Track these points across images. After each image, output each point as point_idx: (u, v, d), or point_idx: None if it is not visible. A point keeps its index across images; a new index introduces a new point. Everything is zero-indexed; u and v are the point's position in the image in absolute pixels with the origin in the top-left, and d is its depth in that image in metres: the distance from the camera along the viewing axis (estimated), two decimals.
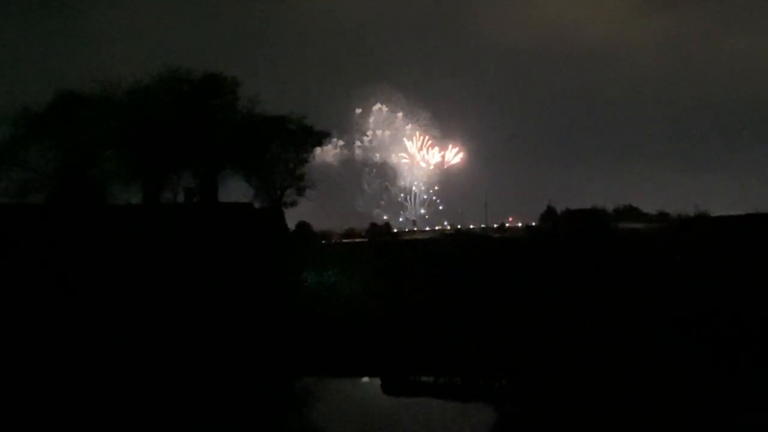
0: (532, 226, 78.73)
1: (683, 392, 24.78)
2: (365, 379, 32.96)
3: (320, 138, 70.04)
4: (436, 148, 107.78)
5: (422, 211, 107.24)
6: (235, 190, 63.28)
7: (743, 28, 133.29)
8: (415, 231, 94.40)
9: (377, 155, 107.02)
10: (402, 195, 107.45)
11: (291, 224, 66.21)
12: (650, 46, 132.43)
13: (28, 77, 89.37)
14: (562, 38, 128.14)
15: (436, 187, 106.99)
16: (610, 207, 67.86)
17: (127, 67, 70.83)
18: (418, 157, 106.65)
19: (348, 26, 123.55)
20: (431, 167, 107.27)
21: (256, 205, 63.24)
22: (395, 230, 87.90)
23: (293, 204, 66.09)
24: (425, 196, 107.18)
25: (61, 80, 59.69)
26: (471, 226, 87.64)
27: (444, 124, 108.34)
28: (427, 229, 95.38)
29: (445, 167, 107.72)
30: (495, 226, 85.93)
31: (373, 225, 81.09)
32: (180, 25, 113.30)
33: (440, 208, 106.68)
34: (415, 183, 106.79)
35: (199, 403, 28.13)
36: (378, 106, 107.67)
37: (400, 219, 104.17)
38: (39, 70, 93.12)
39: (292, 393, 31.70)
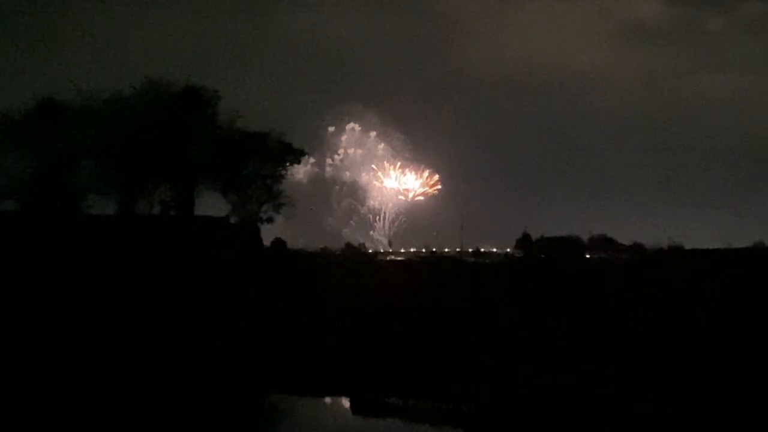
0: (508, 252, 78.85)
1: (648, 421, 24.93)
2: (334, 398, 32.88)
3: (298, 155, 70.05)
4: (411, 175, 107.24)
5: (391, 232, 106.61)
6: (212, 205, 63.15)
7: (718, 65, 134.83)
8: (390, 252, 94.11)
9: (347, 173, 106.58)
10: (371, 215, 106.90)
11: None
12: (628, 78, 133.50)
13: (7, 84, 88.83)
14: (542, 67, 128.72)
15: (403, 217, 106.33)
16: (585, 236, 68.17)
17: (107, 77, 70.51)
18: (388, 183, 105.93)
19: (326, 45, 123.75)
20: (406, 197, 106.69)
21: (232, 220, 63.12)
22: (370, 251, 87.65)
23: (269, 220, 65.97)
24: (394, 216, 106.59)
25: (41, 88, 59.47)
26: (446, 250, 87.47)
27: (418, 147, 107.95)
28: (402, 250, 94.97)
29: (420, 193, 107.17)
30: (470, 250, 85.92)
31: (348, 245, 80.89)
32: (161, 38, 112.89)
33: (409, 230, 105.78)
34: (385, 204, 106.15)
35: (166, 417, 27.92)
36: (351, 125, 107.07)
37: (369, 239, 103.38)
38: (18, 78, 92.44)
39: (261, 410, 31.55)
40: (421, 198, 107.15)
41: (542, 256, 61.43)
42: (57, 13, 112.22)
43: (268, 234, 66.83)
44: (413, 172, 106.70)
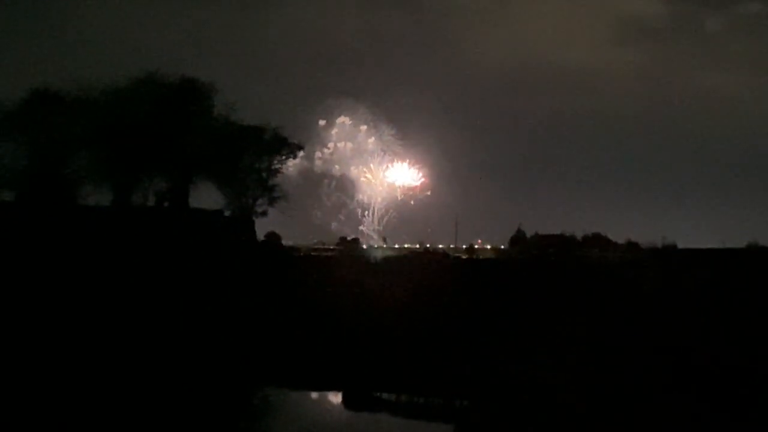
0: (502, 249, 79.00)
1: (642, 419, 24.98)
2: (326, 392, 32.89)
3: (294, 149, 69.94)
4: (402, 167, 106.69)
5: (380, 227, 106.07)
6: (207, 197, 63.07)
7: (715, 64, 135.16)
8: (384, 247, 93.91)
9: (337, 167, 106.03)
10: (360, 210, 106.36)
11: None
12: (624, 76, 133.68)
13: (2, 74, 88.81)
14: (538, 64, 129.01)
15: (393, 212, 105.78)
16: (579, 234, 68.21)
17: (104, 68, 70.39)
18: (377, 181, 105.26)
19: (318, 38, 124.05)
20: (397, 193, 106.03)
21: (227, 213, 63.05)
22: (364, 246, 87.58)
23: (264, 214, 65.93)
24: (383, 211, 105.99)
25: (37, 78, 59.38)
26: (440, 246, 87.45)
27: (409, 141, 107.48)
28: (396, 246, 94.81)
29: (409, 191, 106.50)
30: (464, 247, 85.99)
31: (343, 239, 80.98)
32: (158, 30, 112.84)
33: (399, 225, 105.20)
34: (374, 198, 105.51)
35: (157, 410, 27.91)
36: (342, 118, 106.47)
37: (359, 234, 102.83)
38: (14, 68, 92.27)
39: (253, 403, 31.56)
40: (411, 203, 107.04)
41: (536, 253, 61.54)
42: (54, 3, 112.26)
43: (257, 227, 66.79)
44: (402, 166, 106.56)
